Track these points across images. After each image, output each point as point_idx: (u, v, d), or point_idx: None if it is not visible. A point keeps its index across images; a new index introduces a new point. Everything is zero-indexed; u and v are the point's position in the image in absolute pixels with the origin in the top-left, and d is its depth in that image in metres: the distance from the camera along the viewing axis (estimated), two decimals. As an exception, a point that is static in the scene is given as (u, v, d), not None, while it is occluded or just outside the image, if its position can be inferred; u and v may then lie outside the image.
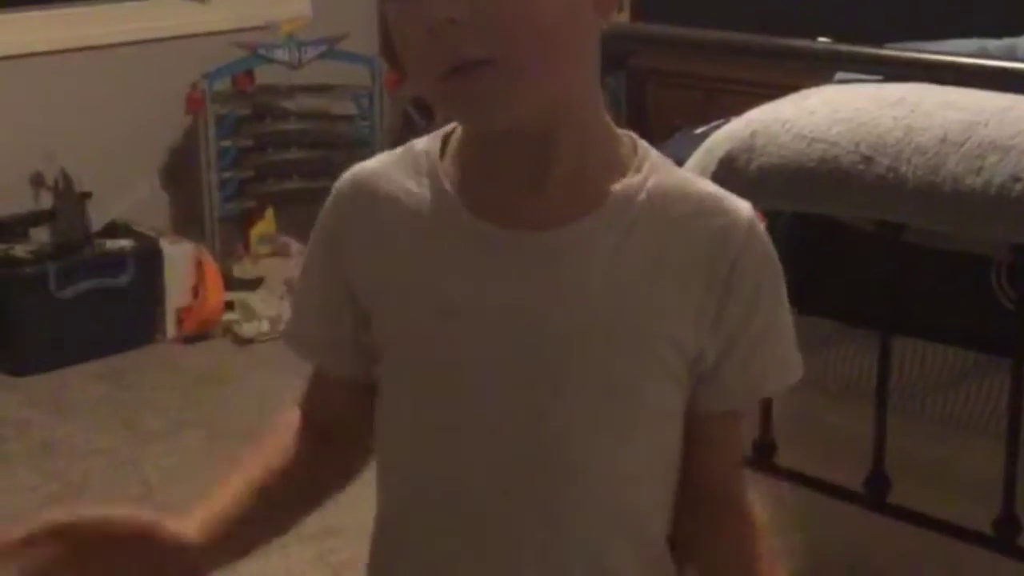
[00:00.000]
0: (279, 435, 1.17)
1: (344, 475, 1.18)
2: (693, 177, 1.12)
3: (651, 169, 1.08)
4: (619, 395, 1.07)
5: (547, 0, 0.99)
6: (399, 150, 1.13)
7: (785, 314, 1.12)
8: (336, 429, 1.17)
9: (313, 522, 1.16)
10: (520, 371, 1.05)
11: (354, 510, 1.21)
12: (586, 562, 1.08)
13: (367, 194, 1.11)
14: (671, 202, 1.07)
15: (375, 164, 1.13)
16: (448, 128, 1.12)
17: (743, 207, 1.09)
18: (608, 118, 1.09)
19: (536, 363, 1.05)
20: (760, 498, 1.26)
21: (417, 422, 1.10)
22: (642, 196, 1.07)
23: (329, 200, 1.14)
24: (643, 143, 1.11)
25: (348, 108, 4.42)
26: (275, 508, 1.13)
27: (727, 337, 1.08)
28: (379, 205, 1.10)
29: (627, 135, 1.11)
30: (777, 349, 1.12)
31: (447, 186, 1.08)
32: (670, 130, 3.01)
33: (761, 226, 1.10)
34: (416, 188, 1.09)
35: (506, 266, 1.06)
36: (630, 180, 1.07)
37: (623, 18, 4.72)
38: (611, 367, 1.06)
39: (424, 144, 1.12)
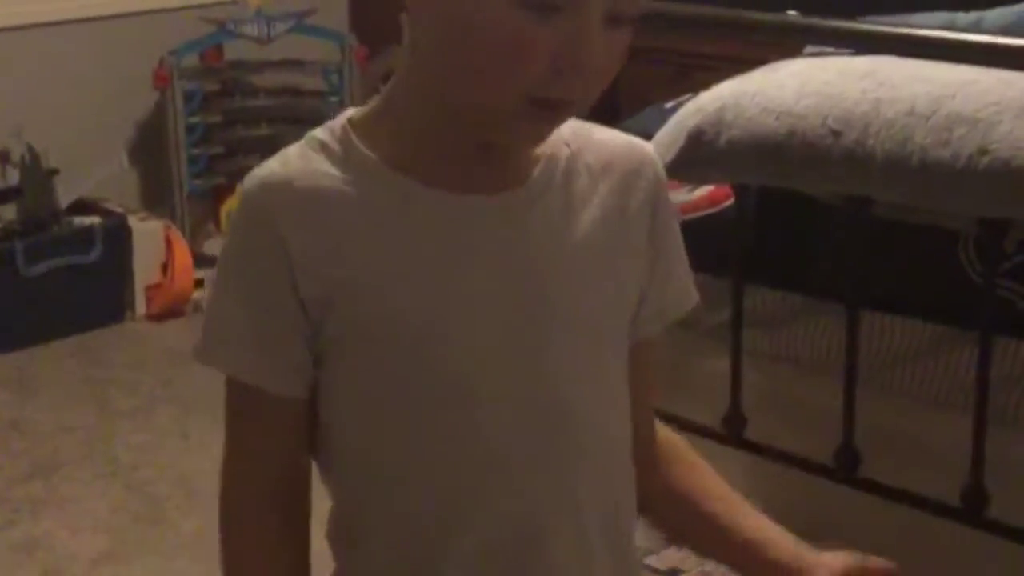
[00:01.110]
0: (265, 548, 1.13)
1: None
2: (591, 126, 1.16)
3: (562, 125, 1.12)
4: (602, 339, 1.12)
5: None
6: (297, 146, 1.09)
7: (681, 240, 1.20)
8: (294, 457, 1.13)
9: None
10: (513, 328, 1.07)
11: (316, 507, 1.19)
12: (599, 499, 1.12)
13: (292, 194, 1.06)
14: (591, 152, 1.13)
15: (280, 164, 1.08)
16: (350, 112, 1.11)
17: (647, 145, 1.18)
18: None
19: (525, 317, 1.07)
20: (730, 472, 1.28)
21: (412, 400, 1.08)
22: (566, 151, 1.11)
23: (243, 211, 1.08)
24: None
25: (318, 84, 4.39)
26: None
27: (650, 265, 1.15)
28: (310, 202, 1.06)
29: None
30: (684, 273, 1.20)
31: (380, 164, 1.07)
32: (642, 105, 3.00)
33: (655, 154, 1.18)
34: (343, 174, 1.07)
35: (477, 231, 1.07)
36: (553, 138, 1.10)
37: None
38: (593, 314, 1.10)
39: (327, 133, 1.09)
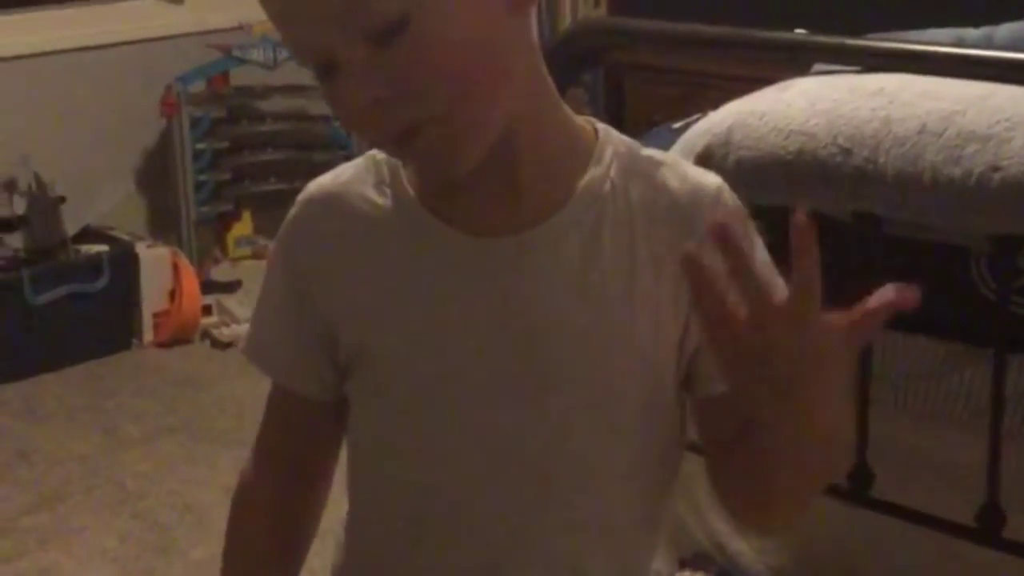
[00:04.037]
0: (254, 512, 1.18)
1: (323, 503, 1.20)
2: (657, 155, 1.09)
3: (614, 155, 1.06)
4: (601, 395, 1.05)
5: (453, 49, 0.96)
6: (359, 160, 1.11)
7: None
8: (308, 457, 1.17)
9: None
10: (502, 378, 1.04)
11: (333, 513, 1.20)
12: (561, 566, 1.07)
13: (328, 210, 1.09)
14: (636, 186, 1.05)
15: (333, 177, 1.12)
16: None
17: (709, 178, 1.08)
18: (566, 109, 1.07)
19: (517, 368, 1.04)
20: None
21: (396, 434, 1.08)
22: (606, 186, 1.05)
23: (290, 215, 1.12)
24: (604, 128, 1.09)
25: (324, 108, 4.34)
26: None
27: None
28: (341, 220, 1.08)
29: (587, 121, 1.09)
30: None
31: (412, 196, 1.06)
32: (649, 125, 2.99)
33: (730, 195, 1.07)
34: (380, 200, 1.08)
35: (479, 274, 1.04)
36: (593, 171, 1.05)
37: (600, 13, 4.71)
38: (591, 367, 1.04)
39: (383, 153, 1.09)
